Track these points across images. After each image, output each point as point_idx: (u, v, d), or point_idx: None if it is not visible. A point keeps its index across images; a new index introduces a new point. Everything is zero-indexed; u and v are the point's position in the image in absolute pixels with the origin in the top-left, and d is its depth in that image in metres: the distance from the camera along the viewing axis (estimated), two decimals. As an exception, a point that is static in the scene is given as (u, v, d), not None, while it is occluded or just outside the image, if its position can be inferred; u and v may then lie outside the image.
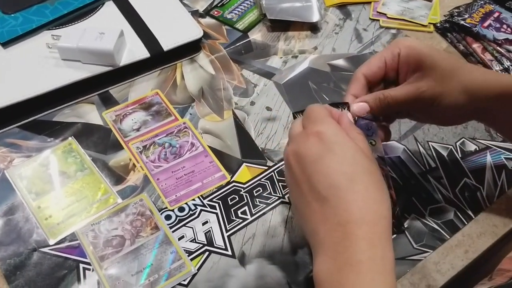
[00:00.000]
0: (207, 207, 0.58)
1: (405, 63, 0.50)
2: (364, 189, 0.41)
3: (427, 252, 0.55)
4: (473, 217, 0.58)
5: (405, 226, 0.56)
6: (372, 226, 0.40)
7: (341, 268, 0.39)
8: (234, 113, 0.67)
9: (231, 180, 0.60)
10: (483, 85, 0.48)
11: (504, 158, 0.63)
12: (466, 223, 0.58)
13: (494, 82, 0.48)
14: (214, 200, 0.58)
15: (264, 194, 0.59)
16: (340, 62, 0.75)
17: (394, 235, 0.55)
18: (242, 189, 0.60)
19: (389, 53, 0.51)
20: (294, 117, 0.51)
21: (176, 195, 0.58)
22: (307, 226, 0.43)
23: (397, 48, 0.51)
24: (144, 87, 0.70)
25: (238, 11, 0.81)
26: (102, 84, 0.69)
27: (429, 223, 0.57)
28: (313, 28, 0.79)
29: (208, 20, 0.80)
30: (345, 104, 0.50)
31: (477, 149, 0.64)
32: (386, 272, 0.39)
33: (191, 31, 0.73)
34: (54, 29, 0.72)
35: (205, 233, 0.56)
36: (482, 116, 0.52)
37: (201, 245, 0.55)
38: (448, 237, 0.56)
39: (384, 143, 0.62)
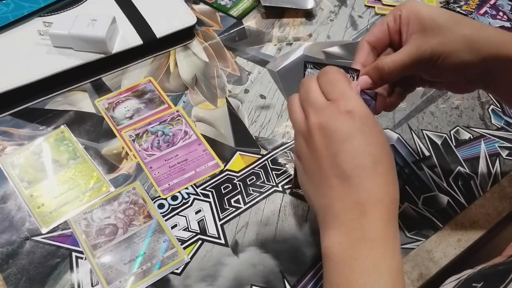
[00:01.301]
0: (200, 196, 0.58)
1: (406, 24, 0.49)
2: (386, 171, 0.42)
3: (420, 240, 0.55)
4: (466, 205, 0.58)
5: None
6: (388, 206, 0.41)
7: (355, 244, 0.40)
8: (227, 101, 0.67)
9: (225, 169, 0.60)
10: (486, 40, 0.46)
11: (498, 146, 0.63)
12: (459, 211, 0.58)
13: (497, 37, 0.47)
14: (207, 188, 0.58)
15: (258, 183, 0.59)
16: (335, 49, 0.74)
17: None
18: (235, 178, 0.59)
19: (391, 17, 0.50)
20: (305, 67, 0.49)
21: (169, 184, 0.58)
22: (319, 199, 0.44)
23: (399, 10, 0.49)
24: (137, 74, 0.69)
25: (232, -3, 0.80)
26: (95, 72, 0.68)
27: (422, 211, 0.57)
28: (308, 15, 0.79)
29: (201, 6, 0.79)
30: (355, 71, 0.49)
31: (471, 137, 0.64)
32: (395, 249, 0.40)
33: (185, 18, 0.72)
34: (46, 16, 0.71)
35: (198, 222, 0.56)
36: (490, 82, 0.50)
37: (194, 234, 0.55)
38: (441, 225, 0.56)
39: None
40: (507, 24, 0.73)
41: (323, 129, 0.42)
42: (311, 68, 0.49)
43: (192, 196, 0.57)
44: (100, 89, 0.67)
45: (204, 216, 0.56)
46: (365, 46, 0.51)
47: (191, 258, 0.53)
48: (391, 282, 0.39)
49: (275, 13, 0.79)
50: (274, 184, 0.59)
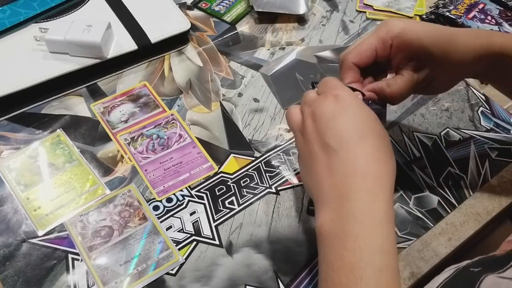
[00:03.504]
0: (194, 198, 0.58)
1: (398, 53, 0.51)
2: (372, 145, 0.43)
3: (411, 240, 0.56)
4: (457, 205, 0.59)
5: None
6: (376, 179, 0.42)
7: (345, 219, 0.41)
8: (221, 105, 0.68)
9: (219, 171, 0.61)
10: (472, 61, 0.50)
11: (488, 147, 0.64)
12: (449, 211, 0.59)
13: (482, 51, 0.50)
14: (201, 190, 0.59)
15: (251, 185, 0.60)
16: (327, 53, 0.75)
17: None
18: (229, 180, 0.60)
19: (381, 44, 0.51)
20: (313, 87, 0.53)
21: (164, 186, 0.59)
22: (313, 180, 0.45)
23: (389, 39, 0.50)
24: (132, 79, 0.70)
25: (226, 3, 0.81)
26: (90, 76, 0.69)
27: (413, 211, 0.58)
28: (300, 20, 0.80)
29: (196, 12, 0.80)
30: (357, 90, 0.51)
31: (461, 139, 0.65)
32: (387, 224, 0.41)
33: (179, 23, 0.73)
34: (42, 22, 0.72)
35: (193, 223, 0.56)
36: (494, 77, 0.55)
37: (188, 235, 0.55)
38: (432, 225, 0.57)
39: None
40: (496, 28, 0.74)
41: (313, 116, 0.46)
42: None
43: (187, 198, 0.58)
44: (95, 94, 0.68)
45: (199, 217, 0.57)
46: (352, 67, 0.52)
47: (186, 259, 0.54)
48: (384, 259, 0.39)
49: (268, 18, 0.80)
50: (268, 185, 0.60)
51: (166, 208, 0.57)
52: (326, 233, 0.42)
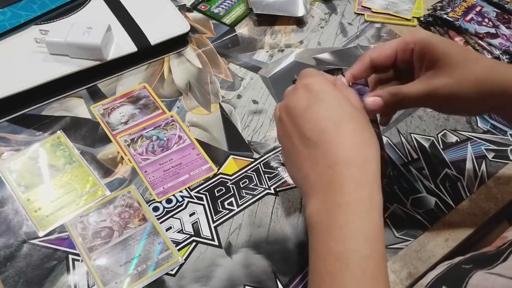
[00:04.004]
0: (194, 199, 0.59)
1: (419, 59, 0.50)
2: (351, 132, 0.43)
3: (409, 240, 0.57)
4: (454, 206, 0.60)
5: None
6: (360, 167, 0.42)
7: (331, 209, 0.41)
8: (221, 106, 0.68)
9: (218, 172, 0.61)
10: (495, 80, 0.47)
11: (485, 149, 0.65)
12: (446, 212, 0.59)
13: (507, 76, 0.47)
14: (201, 191, 0.60)
15: (251, 186, 0.60)
16: (326, 56, 0.76)
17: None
18: (228, 181, 0.61)
19: (402, 46, 0.50)
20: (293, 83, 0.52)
21: (163, 187, 0.60)
22: (298, 174, 0.45)
23: (412, 43, 0.49)
24: (131, 81, 0.70)
25: (225, 5, 0.82)
26: (90, 78, 0.69)
27: (410, 212, 0.59)
28: (299, 22, 0.81)
29: (195, 14, 0.81)
30: (339, 70, 0.51)
31: (458, 140, 0.66)
32: (374, 211, 0.41)
33: (178, 25, 0.74)
34: (42, 24, 0.73)
35: (192, 224, 0.57)
36: (497, 113, 0.52)
37: (188, 236, 0.56)
38: (429, 226, 0.58)
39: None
40: (492, 30, 0.75)
41: (286, 108, 0.46)
42: None
43: (186, 199, 0.59)
44: (95, 95, 0.68)
45: (198, 218, 0.57)
46: (366, 61, 0.51)
47: (186, 259, 0.54)
48: (369, 246, 0.40)
49: (267, 20, 0.80)
50: (267, 187, 0.60)
51: (165, 209, 0.58)
52: (314, 223, 0.42)
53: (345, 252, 0.39)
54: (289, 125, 0.45)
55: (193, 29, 0.77)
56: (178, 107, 0.68)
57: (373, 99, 0.49)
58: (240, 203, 0.59)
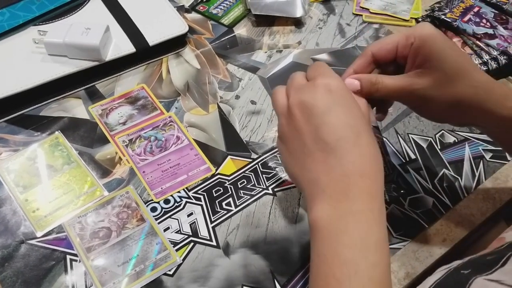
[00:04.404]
0: (192, 199, 0.59)
1: (414, 55, 0.48)
2: (367, 143, 0.43)
3: (406, 240, 0.57)
4: (451, 207, 0.60)
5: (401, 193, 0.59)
6: (373, 179, 0.42)
7: (342, 216, 0.41)
8: (219, 107, 0.69)
9: (216, 173, 0.61)
10: (481, 102, 0.47)
11: (482, 149, 0.65)
12: (444, 212, 0.59)
13: (494, 100, 0.48)
14: (199, 192, 0.60)
15: (249, 186, 0.61)
16: (324, 56, 0.76)
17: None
18: (226, 181, 0.61)
19: (404, 40, 0.49)
20: None
21: (161, 188, 0.60)
22: (305, 174, 0.44)
23: (412, 38, 0.48)
24: (130, 81, 0.71)
25: (224, 6, 0.82)
26: (89, 79, 0.69)
27: (408, 213, 0.59)
28: (297, 23, 0.81)
29: (193, 15, 0.81)
30: None
31: (456, 140, 0.66)
32: (382, 223, 0.41)
33: (177, 26, 0.74)
34: (41, 24, 0.73)
35: (190, 224, 0.57)
36: (484, 130, 0.53)
37: (186, 236, 0.56)
38: (427, 226, 0.58)
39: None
40: (490, 31, 0.75)
41: (302, 105, 0.43)
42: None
43: (184, 200, 0.59)
44: (94, 96, 0.68)
45: (196, 218, 0.57)
46: (368, 56, 0.50)
47: (183, 259, 0.54)
48: (377, 255, 0.40)
49: (266, 21, 0.80)
50: (265, 187, 0.60)
51: (163, 210, 0.58)
52: (321, 227, 0.42)
53: (355, 258, 0.39)
54: (303, 123, 0.43)
55: (191, 30, 0.77)
56: (176, 108, 0.68)
57: (351, 81, 0.49)
58: (238, 204, 0.59)
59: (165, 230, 0.56)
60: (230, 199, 0.59)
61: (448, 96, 0.47)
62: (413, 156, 0.64)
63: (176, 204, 0.58)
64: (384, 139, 0.65)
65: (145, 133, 0.64)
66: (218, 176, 0.61)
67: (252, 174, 0.62)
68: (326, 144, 0.42)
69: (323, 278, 0.41)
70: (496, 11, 0.79)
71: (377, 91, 0.49)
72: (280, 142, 0.47)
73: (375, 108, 0.54)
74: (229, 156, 0.63)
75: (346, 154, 0.42)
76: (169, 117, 0.66)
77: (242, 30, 0.79)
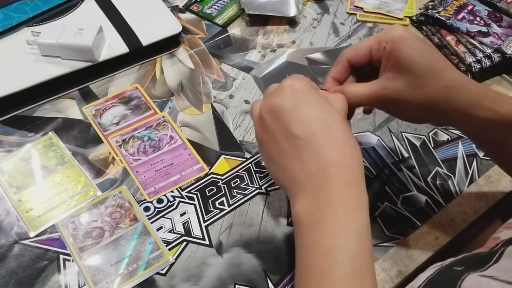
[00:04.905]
0: (185, 199, 0.59)
1: (387, 58, 0.49)
2: (340, 134, 0.44)
3: (399, 238, 0.57)
4: (444, 205, 0.60)
5: None
6: (348, 168, 0.43)
7: (321, 207, 0.42)
8: (212, 107, 0.69)
9: (209, 172, 0.62)
10: (454, 101, 0.47)
11: (475, 147, 0.65)
12: (437, 210, 0.59)
13: (467, 99, 0.47)
14: (192, 191, 0.60)
15: (242, 185, 0.61)
16: (318, 55, 0.76)
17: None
18: (220, 181, 0.61)
19: (376, 45, 0.49)
20: None
21: (155, 187, 0.60)
22: (285, 174, 0.45)
23: (385, 41, 0.48)
24: (123, 81, 0.71)
25: (218, 6, 0.82)
26: (82, 79, 0.70)
27: (401, 211, 0.59)
28: (292, 22, 0.81)
29: (187, 15, 0.81)
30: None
31: (449, 139, 0.66)
32: (361, 210, 0.42)
33: (170, 26, 0.74)
34: (34, 25, 0.73)
35: (183, 224, 0.57)
36: (456, 127, 0.54)
37: (179, 236, 0.56)
38: (420, 224, 0.58)
39: (360, 134, 0.65)
40: (484, 29, 0.75)
41: (271, 108, 0.45)
42: None
43: (177, 199, 0.59)
44: (87, 96, 0.68)
45: (189, 218, 0.58)
46: (344, 62, 0.52)
47: (176, 259, 0.54)
48: (358, 243, 0.41)
49: (259, 21, 0.81)
50: (258, 186, 0.60)
51: (157, 209, 0.58)
52: (303, 220, 0.43)
53: (335, 246, 0.40)
54: (274, 125, 0.45)
55: (185, 30, 0.77)
56: (170, 108, 0.68)
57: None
58: (231, 203, 0.59)
59: (158, 230, 0.56)
60: (223, 199, 0.59)
61: (420, 97, 0.47)
62: (406, 154, 0.64)
63: (169, 203, 0.59)
64: (377, 137, 0.66)
65: (138, 133, 0.64)
66: (212, 175, 0.61)
67: (246, 173, 0.62)
68: (298, 139, 0.43)
69: (306, 269, 0.42)
70: (490, 9, 0.79)
71: (348, 100, 0.49)
72: (260, 149, 0.49)
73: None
74: (223, 156, 0.63)
75: (318, 146, 0.43)
76: (163, 117, 0.66)
77: (236, 30, 0.79)
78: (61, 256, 0.54)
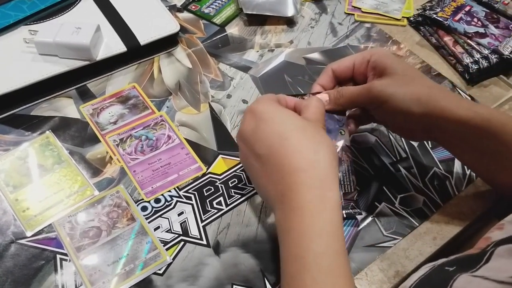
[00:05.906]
0: (183, 198, 0.59)
1: (372, 68, 0.55)
2: (296, 141, 0.45)
3: (397, 239, 0.57)
4: (442, 205, 0.60)
5: (359, 212, 0.57)
6: (309, 171, 0.44)
7: (287, 215, 0.44)
8: (210, 106, 0.69)
9: (207, 172, 0.61)
10: (432, 97, 0.51)
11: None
12: (434, 211, 0.59)
13: (443, 98, 0.51)
14: (190, 191, 0.60)
15: (239, 185, 0.61)
16: (315, 55, 0.76)
17: (346, 220, 0.58)
18: (217, 180, 0.61)
19: (360, 58, 0.56)
20: None
21: (152, 187, 0.59)
22: (262, 191, 0.49)
23: (369, 55, 0.55)
24: (121, 80, 0.70)
25: (216, 5, 0.82)
26: (80, 78, 0.69)
27: (399, 211, 0.59)
28: (289, 22, 0.81)
29: (185, 14, 0.81)
30: (303, 95, 0.57)
31: (447, 139, 0.66)
32: (327, 210, 0.43)
33: (168, 25, 0.74)
34: (32, 24, 0.73)
35: (181, 224, 0.57)
36: (435, 136, 0.54)
37: (176, 235, 0.56)
38: (417, 224, 0.58)
39: (358, 134, 0.64)
40: (481, 30, 0.75)
41: (240, 135, 0.50)
42: None
43: (175, 199, 0.59)
44: (84, 95, 0.68)
45: (187, 218, 0.57)
46: (329, 72, 0.58)
47: (173, 259, 0.54)
48: (323, 243, 0.41)
49: (257, 20, 0.80)
50: (255, 186, 0.60)
51: (154, 209, 0.58)
52: (278, 231, 0.45)
53: (301, 252, 0.42)
54: (245, 149, 0.49)
55: (183, 29, 0.77)
56: (167, 107, 0.68)
57: (321, 95, 0.56)
58: (228, 203, 0.59)
59: (155, 230, 0.56)
60: (221, 198, 0.59)
61: (407, 91, 0.51)
62: (404, 155, 0.64)
63: (166, 203, 0.58)
64: (375, 137, 0.66)
65: (136, 132, 0.64)
66: (209, 175, 0.61)
67: (243, 173, 0.62)
68: (262, 157, 0.46)
69: (283, 277, 0.44)
70: (487, 10, 0.79)
71: (342, 96, 0.55)
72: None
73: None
74: (220, 155, 0.63)
75: (277, 158, 0.45)
76: (160, 116, 0.66)
77: (234, 29, 0.79)
78: (58, 256, 0.54)
